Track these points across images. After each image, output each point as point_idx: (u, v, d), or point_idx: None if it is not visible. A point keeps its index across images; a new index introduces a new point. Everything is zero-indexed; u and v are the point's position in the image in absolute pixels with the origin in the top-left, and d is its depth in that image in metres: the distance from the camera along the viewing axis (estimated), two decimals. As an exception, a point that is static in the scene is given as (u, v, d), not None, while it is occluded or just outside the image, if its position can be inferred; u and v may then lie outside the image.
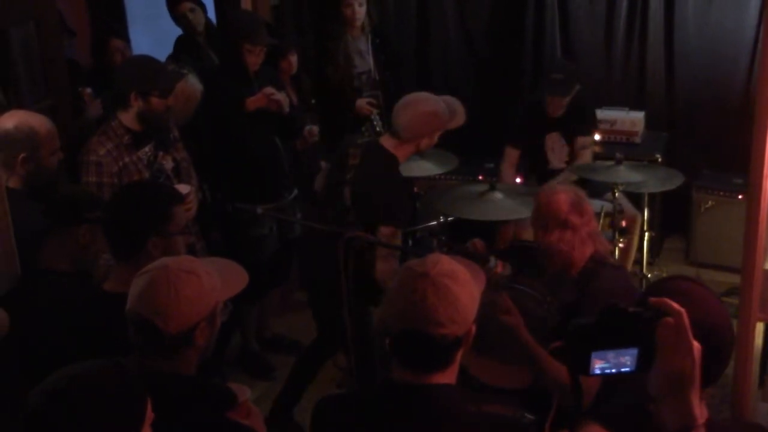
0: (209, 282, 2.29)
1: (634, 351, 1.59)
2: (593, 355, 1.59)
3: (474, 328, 2.09)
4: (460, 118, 4.25)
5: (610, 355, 1.60)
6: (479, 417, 2.06)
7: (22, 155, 3.41)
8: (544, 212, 3.34)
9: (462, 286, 2.04)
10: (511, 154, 5.65)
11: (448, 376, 2.09)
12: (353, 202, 3.96)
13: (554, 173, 5.42)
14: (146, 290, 2.23)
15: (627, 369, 1.60)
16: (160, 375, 2.23)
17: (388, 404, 2.08)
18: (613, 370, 1.60)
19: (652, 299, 1.62)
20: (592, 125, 5.65)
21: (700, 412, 1.61)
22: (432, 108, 4.01)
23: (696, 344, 1.58)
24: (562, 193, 3.34)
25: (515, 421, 2.11)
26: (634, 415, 1.88)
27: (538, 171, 5.62)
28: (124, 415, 1.88)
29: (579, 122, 5.51)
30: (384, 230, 3.86)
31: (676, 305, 1.59)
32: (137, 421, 1.90)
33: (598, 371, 1.60)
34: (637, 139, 6.09)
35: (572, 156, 5.50)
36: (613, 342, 1.59)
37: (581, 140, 5.49)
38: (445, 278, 2.02)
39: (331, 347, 4.53)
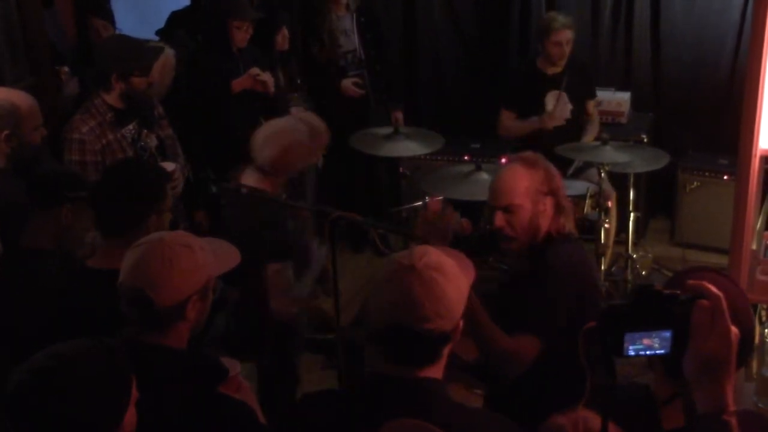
0: (203, 256, 2.27)
1: (668, 333, 1.58)
2: (626, 336, 1.58)
3: (462, 323, 2.03)
4: (324, 135, 4.08)
5: (644, 336, 1.58)
6: (465, 412, 2.03)
7: (5, 132, 3.37)
8: (507, 186, 3.00)
9: (449, 280, 1.97)
10: (508, 118, 5.56)
11: (434, 371, 2.02)
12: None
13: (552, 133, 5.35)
14: (140, 262, 2.21)
15: (661, 351, 1.59)
16: (152, 348, 2.22)
17: (374, 397, 2.01)
18: (647, 352, 1.59)
19: (690, 281, 1.61)
20: (594, 87, 5.72)
21: (733, 398, 1.59)
22: (297, 138, 3.86)
23: (734, 329, 1.57)
24: (525, 164, 3.04)
25: (501, 419, 2.08)
26: (631, 397, 1.86)
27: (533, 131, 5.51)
28: (109, 395, 1.86)
29: (585, 83, 5.56)
30: (271, 267, 3.63)
31: (714, 288, 1.57)
32: (123, 401, 1.89)
33: (632, 353, 1.59)
34: (623, 120, 6.09)
35: (575, 114, 5.48)
36: (646, 324, 1.58)
37: (591, 104, 5.60)
38: (432, 271, 1.94)
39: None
